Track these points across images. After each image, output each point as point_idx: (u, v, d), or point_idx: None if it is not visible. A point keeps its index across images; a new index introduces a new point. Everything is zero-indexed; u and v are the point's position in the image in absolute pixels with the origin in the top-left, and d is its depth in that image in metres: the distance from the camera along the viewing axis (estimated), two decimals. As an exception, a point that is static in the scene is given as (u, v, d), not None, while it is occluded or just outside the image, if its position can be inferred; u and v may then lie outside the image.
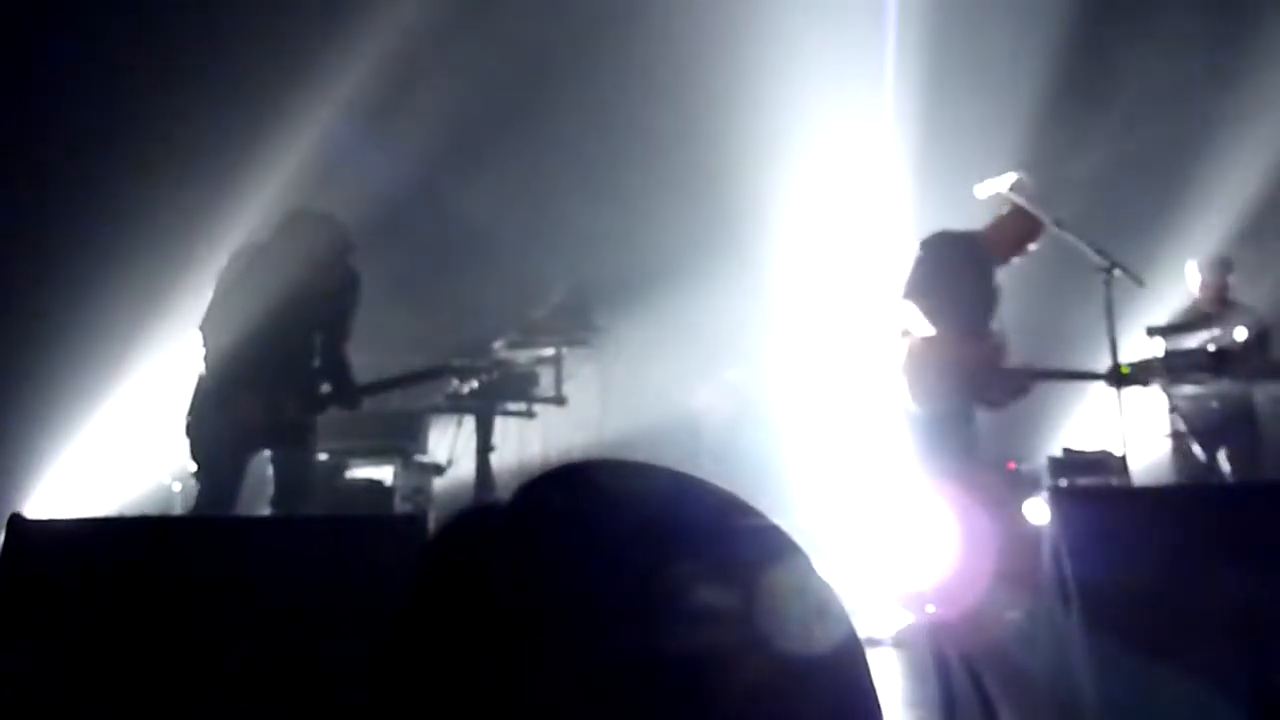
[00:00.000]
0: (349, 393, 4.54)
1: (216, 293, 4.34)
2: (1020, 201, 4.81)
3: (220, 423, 4.18)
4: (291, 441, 4.39)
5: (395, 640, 0.50)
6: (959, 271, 4.67)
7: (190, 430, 4.26)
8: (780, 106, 7.82)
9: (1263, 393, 5.65)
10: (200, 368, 4.26)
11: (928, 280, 4.61)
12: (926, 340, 4.56)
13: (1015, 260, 4.85)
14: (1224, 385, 5.61)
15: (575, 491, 0.50)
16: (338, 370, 4.52)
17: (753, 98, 7.75)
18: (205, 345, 4.24)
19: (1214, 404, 5.83)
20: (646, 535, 0.46)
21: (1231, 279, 6.11)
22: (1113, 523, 2.12)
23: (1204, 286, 6.08)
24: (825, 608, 0.50)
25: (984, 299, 4.76)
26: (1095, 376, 5.08)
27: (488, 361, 4.92)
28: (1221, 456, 5.75)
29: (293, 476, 4.42)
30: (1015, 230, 4.78)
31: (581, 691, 0.43)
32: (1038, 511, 6.49)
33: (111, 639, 2.33)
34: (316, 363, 4.52)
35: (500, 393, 5.16)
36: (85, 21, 6.60)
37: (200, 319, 4.31)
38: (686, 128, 7.70)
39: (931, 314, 4.56)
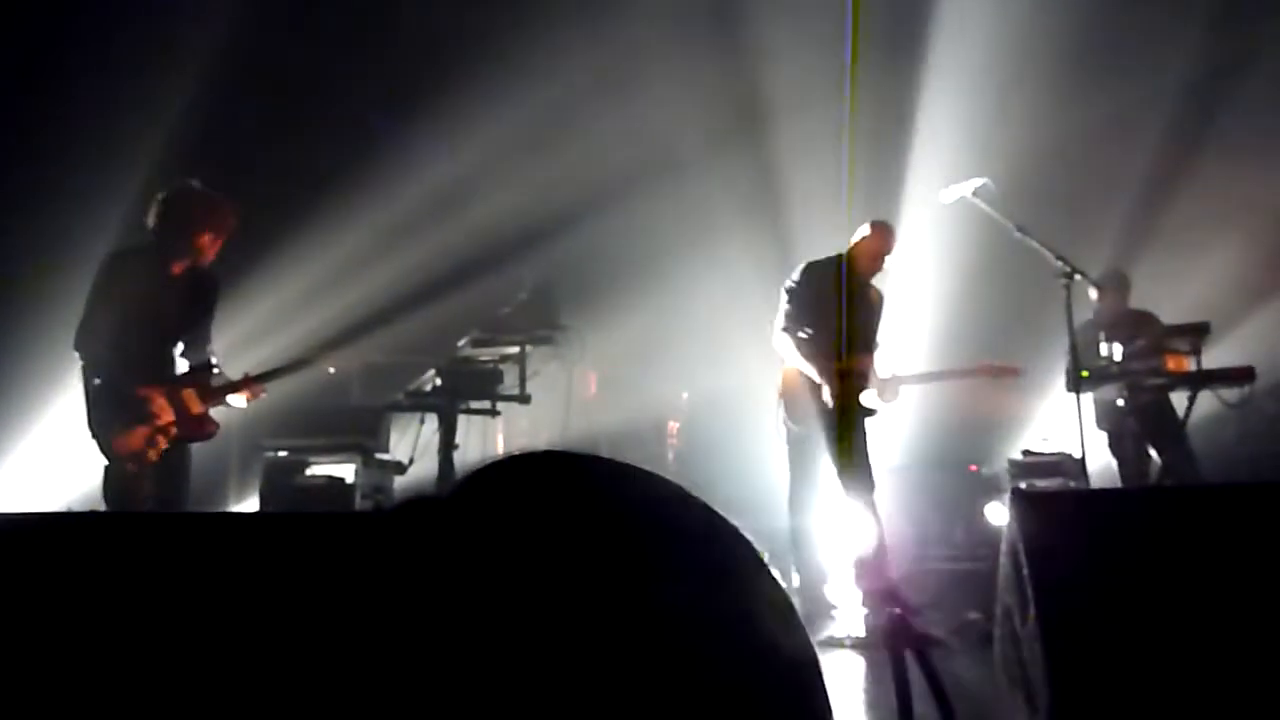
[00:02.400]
0: (252, 380, 4.59)
1: (88, 306, 4.35)
2: (984, 207, 4.90)
3: (129, 418, 4.23)
4: (197, 435, 4.48)
5: (350, 631, 0.49)
6: (826, 296, 5.22)
7: (97, 428, 4.25)
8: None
9: (1217, 398, 5.76)
10: (85, 379, 4.28)
11: (798, 312, 5.26)
12: (798, 369, 5.21)
13: (879, 270, 5.39)
14: (1177, 391, 5.72)
15: (518, 485, 0.50)
16: (206, 362, 4.61)
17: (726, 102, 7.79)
18: (86, 360, 4.29)
19: (1166, 409, 5.95)
20: (591, 530, 0.46)
21: (1125, 298, 6.32)
22: (1071, 525, 2.14)
23: (1104, 300, 6.21)
24: (777, 609, 0.50)
25: (850, 314, 5.22)
26: (965, 374, 5.68)
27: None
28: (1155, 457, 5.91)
29: (183, 472, 4.50)
30: (872, 245, 5.32)
31: (524, 686, 0.42)
32: (998, 513, 6.59)
33: (62, 638, 2.29)
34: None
35: (464, 390, 5.12)
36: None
37: (75, 340, 4.32)
38: (660, 127, 7.72)
39: (802, 344, 5.19)
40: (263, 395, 4.65)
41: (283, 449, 5.92)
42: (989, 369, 5.40)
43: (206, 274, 4.59)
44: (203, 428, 4.48)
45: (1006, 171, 5.69)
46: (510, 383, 5.14)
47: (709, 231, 8.11)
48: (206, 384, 4.51)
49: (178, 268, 4.46)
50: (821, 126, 7.84)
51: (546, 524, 0.48)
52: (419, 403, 5.20)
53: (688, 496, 0.53)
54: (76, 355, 4.34)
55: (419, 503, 0.52)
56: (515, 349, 5.18)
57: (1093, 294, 6.13)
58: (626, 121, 7.73)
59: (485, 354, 5.26)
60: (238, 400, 4.59)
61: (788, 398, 5.28)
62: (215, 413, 4.54)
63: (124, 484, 4.26)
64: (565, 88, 7.59)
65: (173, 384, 4.41)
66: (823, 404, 5.13)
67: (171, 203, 4.42)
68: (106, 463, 4.27)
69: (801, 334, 5.24)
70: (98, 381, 4.26)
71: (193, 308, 4.53)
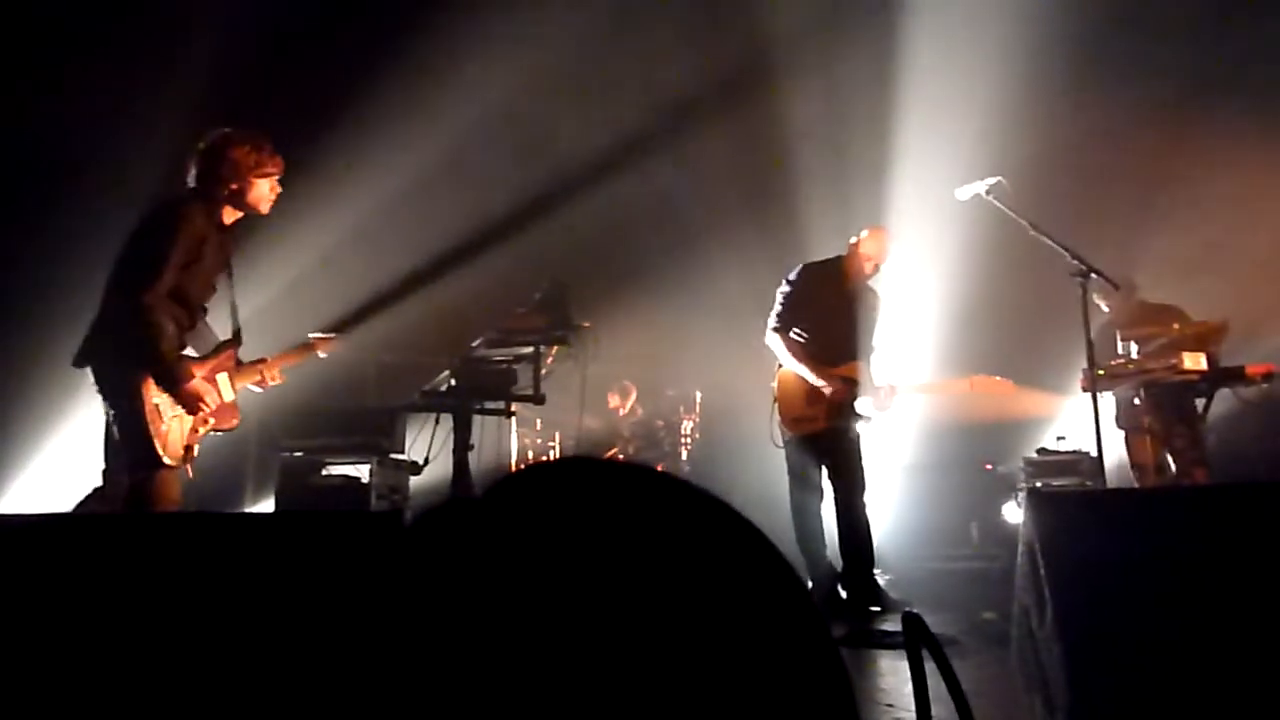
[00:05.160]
0: (271, 363, 4.30)
1: (154, 263, 3.76)
2: (998, 205, 4.89)
3: (182, 409, 3.78)
4: (225, 426, 4.09)
5: (373, 632, 0.49)
6: (819, 298, 5.32)
7: (141, 427, 3.67)
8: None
9: (1234, 396, 5.74)
10: (128, 365, 3.71)
11: (792, 312, 5.32)
12: (792, 372, 5.27)
13: (875, 273, 5.45)
14: (1193, 389, 5.70)
15: (547, 489, 0.50)
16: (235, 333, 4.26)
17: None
18: (145, 329, 3.68)
19: (1182, 406, 5.94)
20: (617, 532, 0.46)
21: (1133, 296, 6.35)
22: (1088, 525, 2.13)
23: (1115, 308, 6.31)
24: (802, 611, 0.50)
25: (847, 317, 5.32)
26: (959, 388, 5.60)
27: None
28: (1169, 455, 5.91)
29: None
30: (868, 249, 5.41)
31: (553, 682, 0.42)
32: (1014, 513, 6.57)
33: (73, 641, 2.30)
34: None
35: (478, 391, 5.12)
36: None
37: (134, 306, 3.71)
38: (675, 126, 7.73)
39: (795, 345, 5.27)
40: (278, 382, 4.26)
41: (299, 449, 5.95)
42: (982, 384, 5.42)
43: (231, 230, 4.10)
44: (231, 418, 4.04)
45: (1018, 171, 5.68)
46: (524, 383, 5.15)
47: (724, 229, 8.11)
48: (234, 364, 4.09)
49: (229, 221, 4.02)
50: (841, 125, 7.83)
51: (574, 529, 0.48)
52: (434, 403, 5.21)
53: (711, 500, 0.53)
54: (131, 319, 3.68)
55: (450, 506, 0.53)
56: (529, 349, 5.18)
57: (1101, 304, 6.17)
58: (642, 121, 7.72)
59: (499, 354, 5.26)
60: (255, 385, 4.20)
61: (783, 404, 5.35)
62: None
63: (165, 489, 3.72)
64: (580, 92, 7.60)
65: (213, 364, 3.99)
66: (817, 408, 5.20)
67: (214, 152, 3.92)
68: (142, 470, 3.70)
69: (795, 335, 5.32)
70: (149, 363, 3.69)
71: (230, 266, 4.08)
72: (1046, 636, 2.02)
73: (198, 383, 3.82)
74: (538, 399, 5.15)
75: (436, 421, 5.24)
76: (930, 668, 1.18)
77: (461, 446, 4.97)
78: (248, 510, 6.72)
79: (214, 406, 3.89)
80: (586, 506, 0.50)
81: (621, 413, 8.60)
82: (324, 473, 5.89)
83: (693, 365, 8.25)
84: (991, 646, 3.99)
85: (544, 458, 7.48)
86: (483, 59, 7.41)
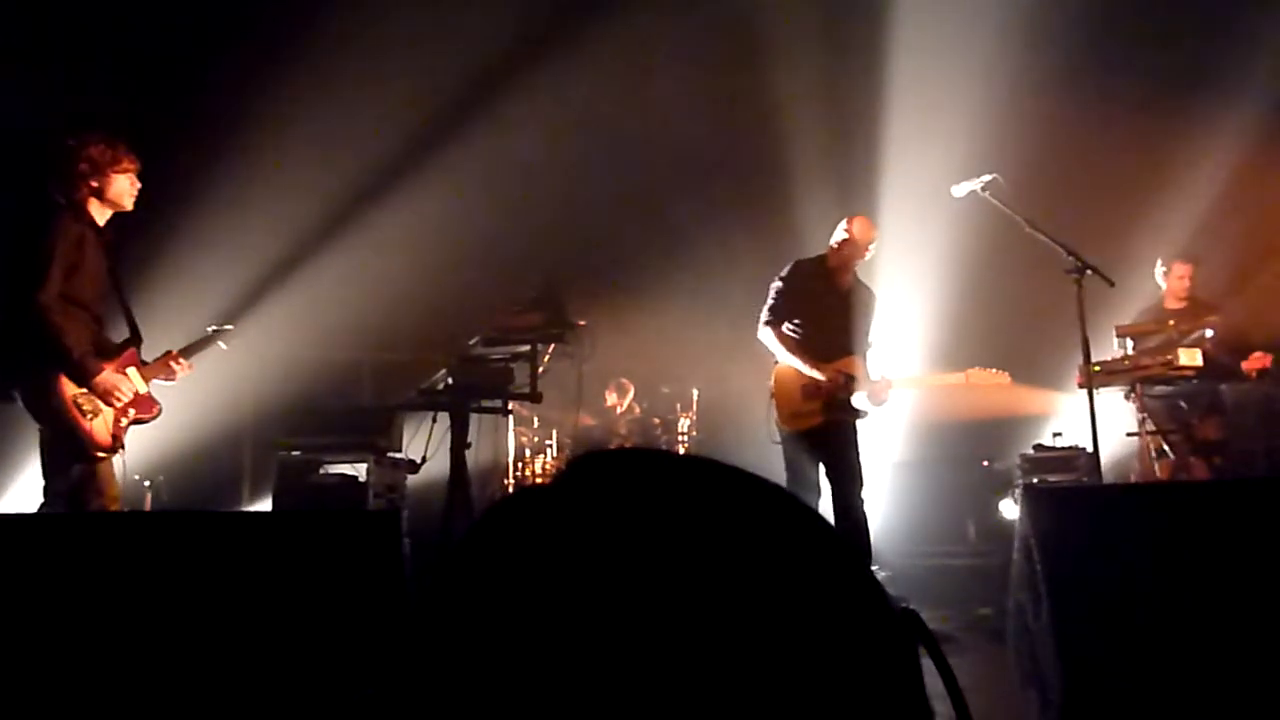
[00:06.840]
0: (177, 355, 4.38)
1: (40, 267, 3.89)
2: (994, 202, 4.89)
3: (98, 401, 3.91)
4: (146, 417, 4.21)
5: (434, 617, 0.49)
6: (812, 293, 5.34)
7: (64, 420, 3.82)
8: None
9: (1231, 390, 5.76)
10: (32, 363, 3.83)
11: (784, 307, 5.34)
12: (788, 367, 5.28)
13: (862, 258, 5.40)
14: (1193, 385, 5.71)
15: (620, 477, 0.50)
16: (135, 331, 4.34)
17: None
18: (45, 331, 3.81)
19: (1181, 403, 5.94)
20: (695, 522, 0.46)
21: (1197, 277, 6.27)
22: (1083, 519, 2.14)
23: (1171, 284, 6.26)
24: (874, 601, 0.51)
25: (841, 312, 5.34)
26: (955, 381, 5.56)
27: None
28: (1193, 453, 5.88)
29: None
30: (854, 237, 5.36)
31: (624, 675, 0.42)
32: (1010, 509, 6.57)
33: (72, 637, 2.31)
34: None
35: (475, 389, 5.12)
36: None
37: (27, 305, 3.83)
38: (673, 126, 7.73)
39: (788, 339, 5.29)
40: (187, 372, 4.33)
41: (296, 448, 5.95)
42: (978, 378, 5.40)
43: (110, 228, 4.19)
44: (150, 408, 4.17)
45: (1015, 167, 5.68)
46: (521, 381, 5.15)
47: (719, 228, 8.11)
48: (138, 361, 4.19)
49: (101, 221, 4.11)
50: (833, 122, 7.83)
51: (654, 517, 0.48)
52: (431, 401, 5.21)
53: (774, 489, 0.53)
54: (32, 322, 3.80)
55: (521, 495, 0.53)
56: (526, 347, 5.18)
57: (1161, 279, 6.14)
58: (636, 120, 7.72)
59: (496, 352, 5.27)
60: (164, 379, 4.28)
61: (780, 399, 5.33)
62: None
63: (103, 481, 3.90)
64: (583, 90, 7.59)
65: (119, 361, 4.08)
66: (813, 403, 5.19)
67: (70, 152, 4.03)
68: (78, 465, 3.86)
69: (788, 329, 5.32)
70: (57, 361, 3.82)
71: (114, 267, 4.19)
72: (1042, 631, 2.03)
73: (109, 375, 3.95)
74: (535, 397, 5.15)
75: (434, 420, 5.24)
76: (927, 664, 1.19)
77: (459, 445, 4.97)
78: (245, 509, 6.71)
79: (130, 397, 4.03)
80: (664, 495, 0.50)
81: (619, 410, 8.61)
82: (321, 472, 5.88)
83: (690, 362, 8.24)
84: (988, 642, 4.00)
85: (541, 455, 7.49)
86: (463, 40, 7.38)
